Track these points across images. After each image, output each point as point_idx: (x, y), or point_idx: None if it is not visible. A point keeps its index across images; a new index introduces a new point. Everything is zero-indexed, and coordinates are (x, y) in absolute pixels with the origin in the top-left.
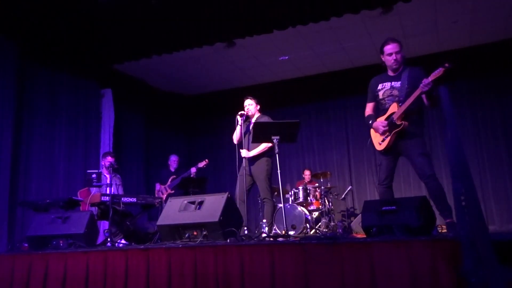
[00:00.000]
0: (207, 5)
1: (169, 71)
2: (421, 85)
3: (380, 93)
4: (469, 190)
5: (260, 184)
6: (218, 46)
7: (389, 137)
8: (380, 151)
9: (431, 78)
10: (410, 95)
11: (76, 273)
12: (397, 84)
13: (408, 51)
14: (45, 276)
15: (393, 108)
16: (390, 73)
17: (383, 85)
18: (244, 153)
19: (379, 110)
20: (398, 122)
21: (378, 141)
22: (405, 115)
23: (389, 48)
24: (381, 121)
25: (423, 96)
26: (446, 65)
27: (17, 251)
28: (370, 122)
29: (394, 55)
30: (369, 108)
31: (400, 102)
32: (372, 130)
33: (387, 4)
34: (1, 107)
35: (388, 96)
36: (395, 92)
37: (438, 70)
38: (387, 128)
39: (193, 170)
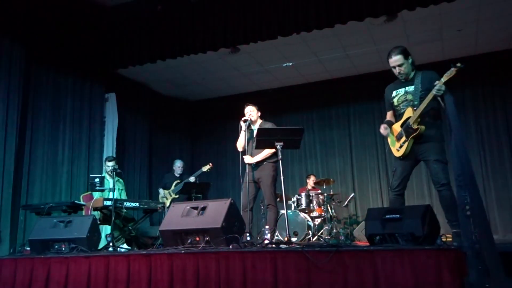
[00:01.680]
0: (211, 11)
1: (173, 76)
2: (434, 88)
3: (395, 100)
4: (475, 200)
5: (265, 190)
6: (222, 51)
7: (406, 143)
8: (398, 157)
9: (444, 79)
10: (424, 99)
11: (78, 277)
12: (410, 88)
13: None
14: (47, 280)
15: (408, 112)
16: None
17: (397, 91)
18: (247, 159)
19: (397, 116)
20: (415, 127)
21: (396, 147)
22: (421, 119)
23: (391, 62)
24: (383, 125)
25: (439, 98)
26: (458, 64)
27: (19, 254)
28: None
29: (397, 68)
30: (388, 117)
31: (414, 107)
32: (388, 138)
33: (392, 12)
34: (6, 109)
35: (403, 101)
36: (409, 97)
37: (450, 71)
38: (388, 129)
39: (192, 179)
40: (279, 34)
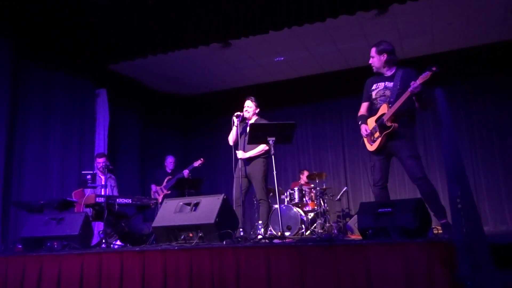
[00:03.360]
0: (203, 6)
1: (165, 71)
2: (410, 88)
3: (374, 93)
4: (465, 193)
5: (256, 185)
6: (214, 46)
7: (379, 138)
8: (372, 152)
9: (419, 81)
10: (401, 97)
11: (71, 275)
12: (390, 84)
13: (403, 52)
14: (39, 278)
15: (383, 109)
16: (386, 73)
17: (377, 85)
18: (239, 154)
19: (372, 110)
20: (388, 124)
21: (370, 142)
22: (395, 117)
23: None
24: (365, 127)
25: (414, 98)
26: (434, 69)
27: (11, 252)
28: (360, 122)
29: (370, 59)
30: (363, 108)
31: (390, 103)
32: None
33: (382, 6)
34: None
35: (381, 96)
36: (388, 93)
37: (425, 74)
38: (369, 133)
39: (186, 172)
40: (271, 29)
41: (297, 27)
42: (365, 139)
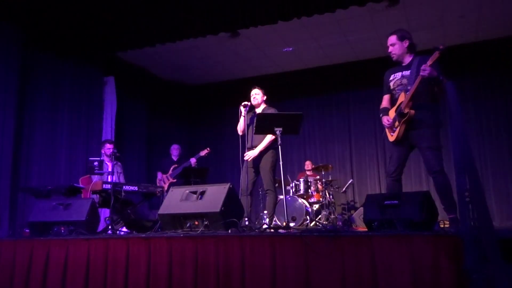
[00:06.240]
0: None
1: (173, 60)
2: (420, 72)
3: (392, 83)
4: (474, 186)
5: (264, 175)
6: (222, 36)
7: (399, 127)
8: (392, 142)
9: (429, 62)
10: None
11: (77, 260)
12: (407, 73)
13: None
14: (46, 262)
15: (401, 97)
16: (404, 62)
17: (394, 75)
18: (250, 154)
19: (393, 101)
20: (405, 111)
21: (390, 132)
22: (412, 103)
23: (387, 41)
24: (386, 117)
25: (432, 82)
26: (440, 47)
27: (19, 236)
28: (381, 115)
29: (389, 47)
30: (384, 101)
31: (407, 91)
32: None
33: None
34: (4, 93)
35: (398, 85)
36: (405, 81)
37: (434, 54)
38: (391, 123)
39: (193, 160)
40: (280, 19)
41: (307, 17)
42: (386, 130)
